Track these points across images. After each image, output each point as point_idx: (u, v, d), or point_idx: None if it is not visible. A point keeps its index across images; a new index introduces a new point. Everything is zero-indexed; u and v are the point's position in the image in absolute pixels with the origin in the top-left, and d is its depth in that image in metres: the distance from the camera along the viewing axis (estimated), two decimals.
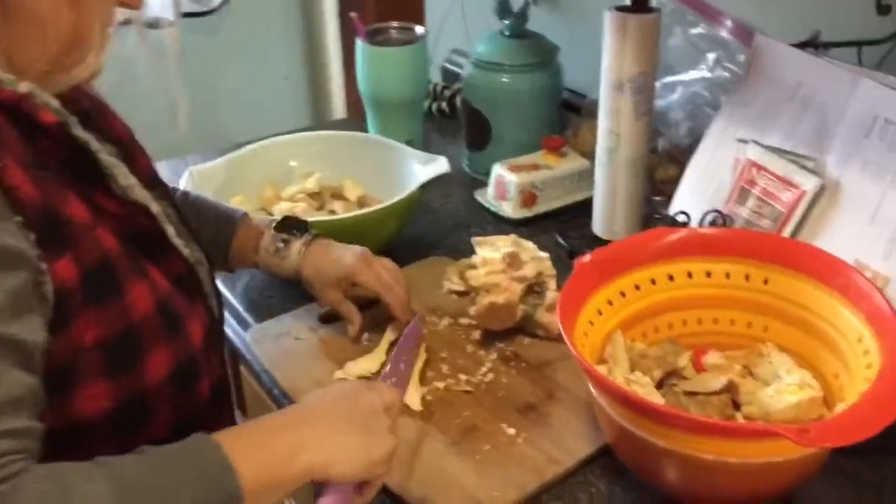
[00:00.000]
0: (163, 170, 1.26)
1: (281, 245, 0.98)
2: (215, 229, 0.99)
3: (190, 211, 0.98)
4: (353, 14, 1.34)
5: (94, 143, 0.67)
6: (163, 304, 0.69)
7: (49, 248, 0.59)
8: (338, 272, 0.97)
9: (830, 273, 0.83)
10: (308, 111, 2.56)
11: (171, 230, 0.74)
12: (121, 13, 0.71)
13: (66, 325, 0.61)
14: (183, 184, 1.12)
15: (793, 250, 0.87)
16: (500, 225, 1.27)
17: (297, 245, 0.98)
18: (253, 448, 0.63)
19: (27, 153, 0.60)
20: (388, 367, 0.89)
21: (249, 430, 0.67)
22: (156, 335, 0.68)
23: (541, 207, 1.27)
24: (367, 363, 0.96)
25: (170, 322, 0.69)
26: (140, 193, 0.70)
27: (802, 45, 1.03)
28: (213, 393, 0.76)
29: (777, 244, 0.89)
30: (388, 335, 0.99)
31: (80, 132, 0.65)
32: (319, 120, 2.57)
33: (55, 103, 0.64)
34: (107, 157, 0.68)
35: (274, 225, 0.99)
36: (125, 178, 0.69)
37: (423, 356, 0.96)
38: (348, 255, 0.97)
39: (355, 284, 0.98)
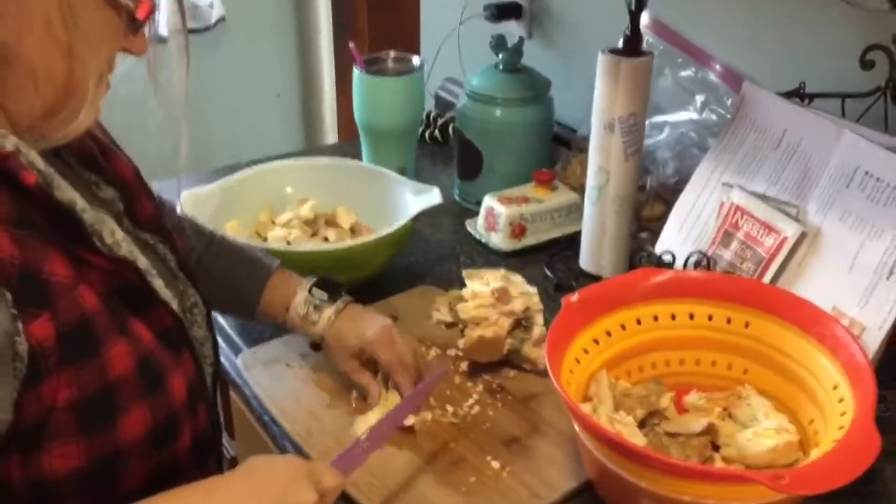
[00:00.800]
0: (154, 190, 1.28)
1: (313, 309, 0.96)
2: (245, 279, 0.98)
3: (218, 254, 0.99)
4: (351, 44, 1.37)
5: (80, 202, 0.65)
6: (143, 362, 0.68)
7: (26, 308, 0.58)
8: (358, 344, 0.95)
9: (810, 321, 0.86)
10: (299, 129, 2.59)
11: (158, 283, 0.72)
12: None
13: (37, 384, 0.60)
14: (178, 207, 1.13)
15: (774, 297, 0.90)
16: (489, 256, 1.29)
17: (328, 312, 0.96)
18: None
19: (10, 210, 0.60)
20: (370, 430, 0.83)
21: None
22: (133, 394, 0.66)
23: (530, 240, 1.30)
24: (375, 418, 0.93)
25: (150, 380, 0.68)
26: (127, 249, 0.69)
27: (788, 95, 1.06)
28: (196, 441, 0.74)
29: (759, 290, 0.92)
30: (393, 396, 0.97)
31: (62, 193, 0.64)
32: (310, 139, 2.59)
33: (40, 162, 0.63)
34: (93, 214, 0.66)
35: (310, 287, 0.98)
36: (111, 235, 0.67)
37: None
38: (372, 329, 0.96)
39: (373, 360, 0.97)
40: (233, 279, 0.98)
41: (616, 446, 0.75)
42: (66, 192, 0.64)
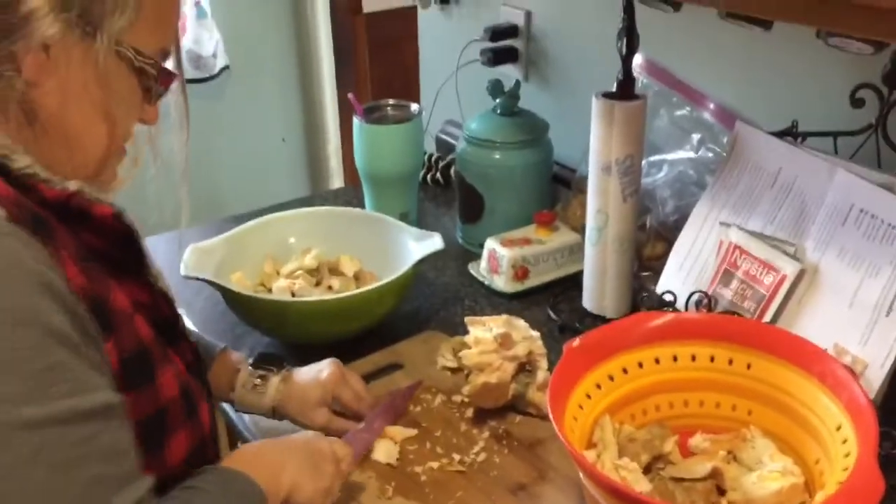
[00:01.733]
0: (159, 244, 1.30)
1: (258, 382, 0.97)
2: None
3: None
4: (350, 95, 1.39)
5: (136, 232, 0.71)
6: (184, 388, 0.73)
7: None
8: (320, 391, 0.97)
9: (810, 361, 0.86)
10: (305, 174, 2.61)
11: (183, 317, 0.79)
12: None
13: None
14: (183, 261, 1.15)
15: (774, 337, 0.90)
16: (493, 298, 1.30)
17: (274, 381, 0.97)
18: (259, 470, 0.74)
19: (75, 246, 0.64)
20: (366, 420, 0.99)
21: (252, 455, 0.78)
22: (178, 418, 0.72)
23: (533, 281, 1.30)
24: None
25: (189, 405, 0.74)
26: (165, 283, 0.75)
27: (781, 134, 1.07)
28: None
29: (759, 330, 0.92)
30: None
31: (131, 221, 0.70)
32: (316, 183, 2.62)
33: (105, 196, 0.69)
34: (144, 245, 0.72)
35: (251, 362, 0.99)
36: (153, 265, 0.73)
37: (403, 430, 1.01)
38: (323, 371, 0.98)
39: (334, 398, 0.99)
40: None
41: (620, 495, 0.75)
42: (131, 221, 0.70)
